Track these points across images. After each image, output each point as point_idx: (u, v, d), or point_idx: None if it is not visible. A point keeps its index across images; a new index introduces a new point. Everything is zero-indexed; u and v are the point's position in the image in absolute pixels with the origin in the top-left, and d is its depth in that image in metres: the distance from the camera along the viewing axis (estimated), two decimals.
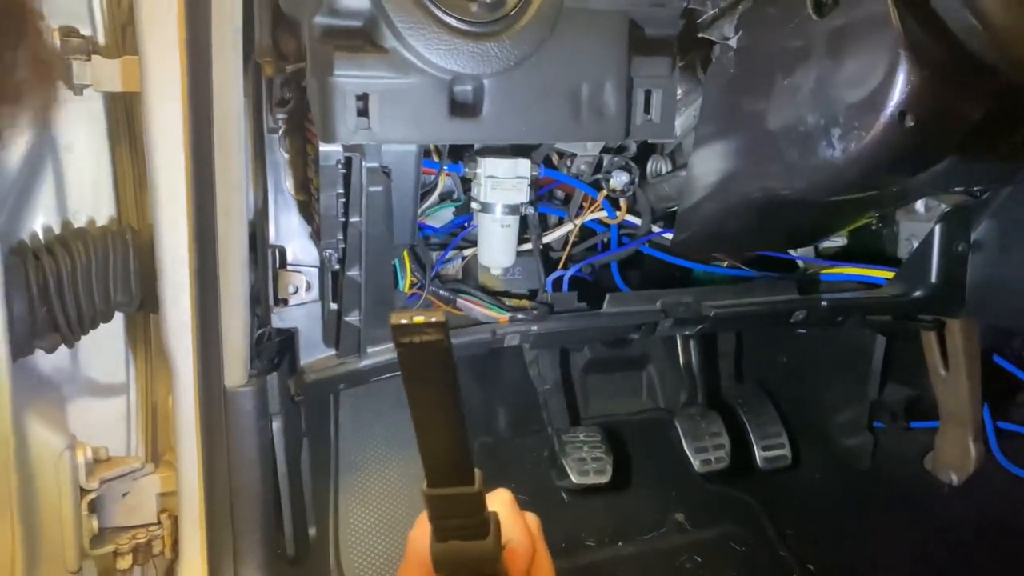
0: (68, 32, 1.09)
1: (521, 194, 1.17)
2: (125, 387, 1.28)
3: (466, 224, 1.27)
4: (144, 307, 1.15)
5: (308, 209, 1.17)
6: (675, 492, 1.68)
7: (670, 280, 1.41)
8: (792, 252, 1.46)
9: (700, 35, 1.06)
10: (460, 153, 1.20)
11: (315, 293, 1.19)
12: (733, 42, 1.01)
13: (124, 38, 1.14)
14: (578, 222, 1.29)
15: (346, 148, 1.03)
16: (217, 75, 0.98)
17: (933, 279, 1.35)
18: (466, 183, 1.23)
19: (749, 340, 1.89)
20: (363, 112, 0.93)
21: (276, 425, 1.16)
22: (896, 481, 1.63)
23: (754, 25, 0.99)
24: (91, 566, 1.23)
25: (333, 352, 1.19)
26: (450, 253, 1.28)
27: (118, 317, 1.20)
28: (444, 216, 1.28)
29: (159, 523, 1.28)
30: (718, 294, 1.31)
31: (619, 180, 1.25)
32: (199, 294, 1.05)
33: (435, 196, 1.22)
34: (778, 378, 1.84)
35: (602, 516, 1.60)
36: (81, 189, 1.17)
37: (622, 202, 1.29)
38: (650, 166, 1.31)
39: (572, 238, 1.30)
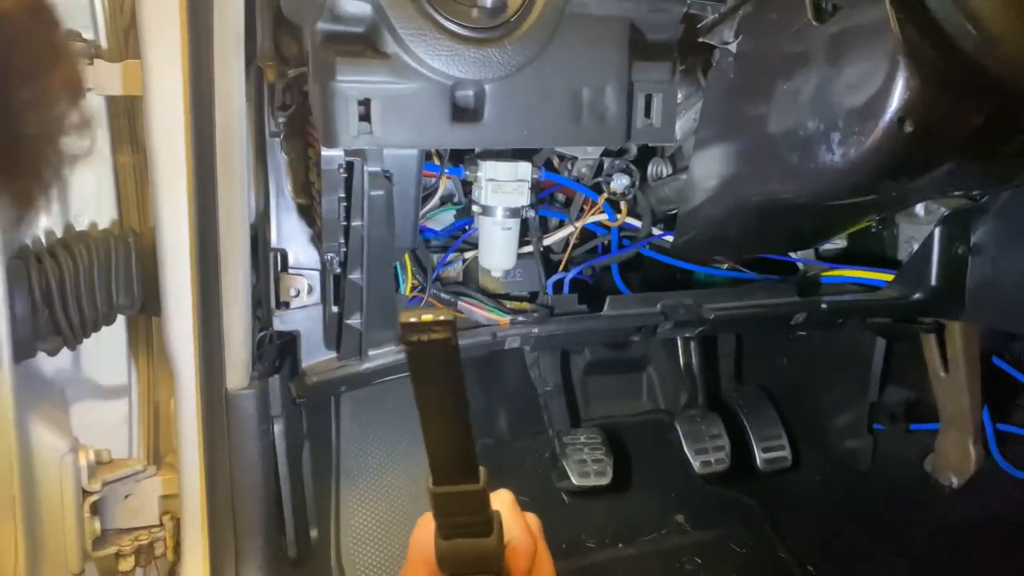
0: (71, 36, 1.09)
1: (522, 197, 1.17)
2: (127, 390, 1.29)
3: (467, 227, 1.27)
4: (146, 310, 1.15)
5: (309, 212, 1.17)
6: (675, 493, 1.68)
7: (670, 282, 1.42)
8: (792, 254, 1.46)
9: (700, 40, 1.06)
10: (461, 156, 1.20)
11: (316, 296, 1.19)
12: (733, 47, 1.02)
13: (127, 42, 1.15)
14: (579, 225, 1.29)
15: (348, 152, 1.03)
16: (219, 79, 0.99)
17: (933, 282, 1.35)
18: (467, 186, 1.23)
19: (749, 342, 1.89)
20: (365, 117, 0.94)
21: (278, 427, 1.17)
22: (896, 483, 1.63)
23: (754, 30, 0.99)
24: (93, 568, 1.23)
25: (334, 355, 1.19)
26: (451, 256, 1.28)
27: (120, 320, 1.21)
28: (445, 219, 1.29)
29: (161, 525, 1.29)
30: (718, 296, 1.32)
31: (620, 183, 1.26)
32: (201, 297, 1.06)
33: (436, 199, 1.23)
34: (778, 380, 1.84)
35: (602, 517, 1.60)
36: (83, 192, 1.17)
37: (623, 205, 1.29)
38: (651, 169, 1.32)
39: (573, 241, 1.30)
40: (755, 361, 1.89)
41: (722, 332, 1.80)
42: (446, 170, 1.18)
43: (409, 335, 0.46)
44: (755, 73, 0.99)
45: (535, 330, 1.21)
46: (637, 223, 1.32)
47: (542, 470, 1.64)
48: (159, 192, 1.03)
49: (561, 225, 1.31)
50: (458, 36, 0.92)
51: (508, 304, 1.26)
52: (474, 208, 1.20)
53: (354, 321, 1.14)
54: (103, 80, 1.11)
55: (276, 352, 1.18)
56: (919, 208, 1.38)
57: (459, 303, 1.23)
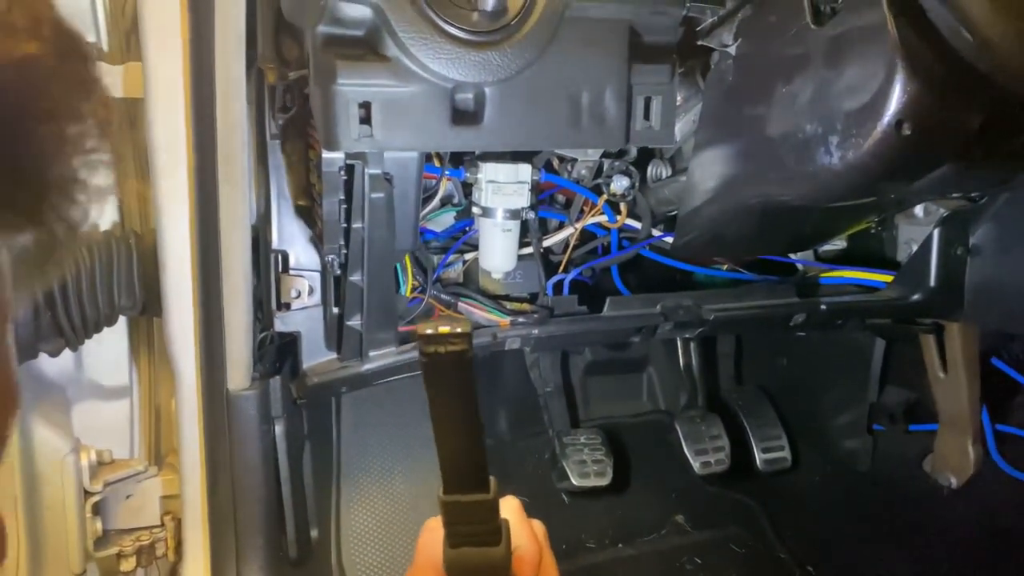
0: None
1: (522, 199, 1.17)
2: (128, 390, 1.29)
3: (467, 228, 1.28)
4: (147, 311, 1.16)
5: (310, 214, 1.18)
6: (675, 494, 1.68)
7: (670, 283, 1.42)
8: (792, 255, 1.47)
9: (699, 43, 1.07)
10: (461, 158, 1.21)
11: (317, 297, 1.20)
12: (732, 50, 1.02)
13: (128, 44, 1.15)
14: (579, 226, 1.29)
15: (348, 155, 1.03)
16: (220, 81, 0.99)
17: (932, 283, 1.35)
18: (467, 188, 1.23)
19: (749, 343, 1.89)
20: (365, 120, 0.94)
21: (278, 428, 1.17)
22: (895, 483, 1.64)
23: (753, 33, 0.99)
24: (94, 568, 1.24)
25: (335, 356, 1.20)
26: (451, 257, 1.28)
27: (122, 321, 1.21)
28: (445, 221, 1.29)
29: (162, 525, 1.29)
30: (718, 297, 1.32)
31: (619, 184, 1.26)
32: (202, 298, 1.06)
33: (436, 201, 1.23)
34: (778, 381, 1.85)
35: (603, 518, 1.60)
36: None
37: (622, 206, 1.29)
38: (650, 170, 1.32)
39: (573, 242, 1.31)
40: (755, 362, 1.89)
41: (722, 333, 1.80)
42: (446, 172, 1.18)
43: (425, 346, 0.46)
44: (754, 76, 0.99)
45: (535, 331, 1.21)
46: (637, 224, 1.32)
47: (542, 471, 1.64)
48: (160, 194, 1.04)
49: (561, 226, 1.32)
50: (458, 39, 0.93)
51: (508, 305, 1.26)
52: (474, 210, 1.21)
53: (354, 322, 1.14)
54: (104, 82, 1.11)
55: (277, 353, 1.19)
56: (918, 209, 1.38)
57: (459, 304, 1.24)
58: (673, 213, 1.28)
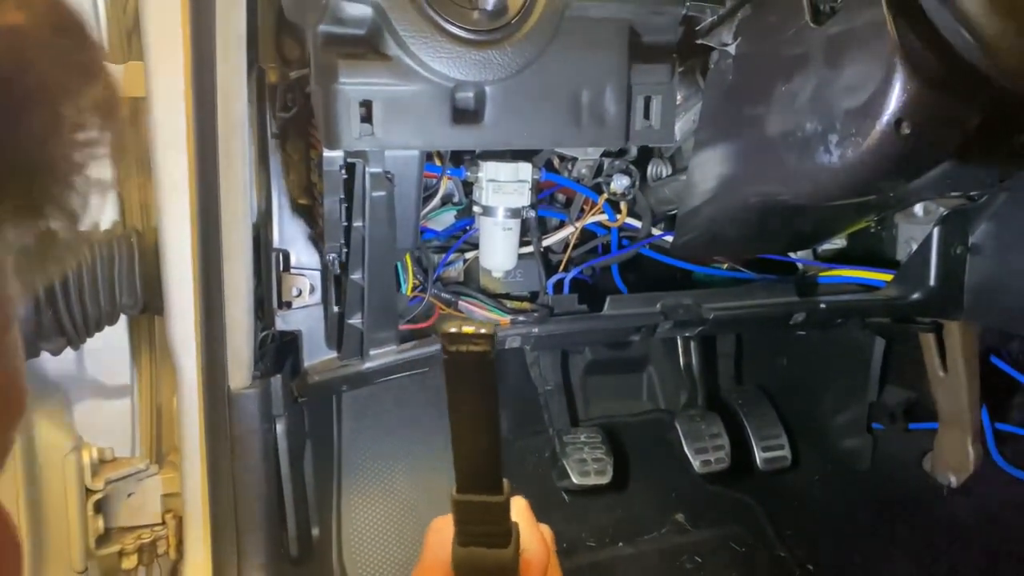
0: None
1: (522, 198, 1.18)
2: (130, 389, 1.29)
3: (468, 227, 1.28)
4: (149, 310, 1.16)
5: (311, 213, 1.18)
6: (675, 493, 1.69)
7: (670, 282, 1.42)
8: (791, 254, 1.47)
9: (699, 42, 1.07)
10: (462, 157, 1.21)
11: (318, 296, 1.20)
12: (732, 49, 1.02)
13: (129, 44, 1.15)
14: (579, 225, 1.30)
15: (349, 154, 1.04)
16: (221, 80, 1.00)
17: (932, 282, 1.35)
18: (468, 187, 1.24)
19: (749, 342, 1.90)
20: (367, 119, 0.95)
21: (279, 426, 1.17)
22: (895, 482, 1.64)
23: (752, 32, 1.00)
24: (96, 566, 1.24)
25: (336, 354, 1.20)
26: (452, 256, 1.29)
27: (123, 319, 1.21)
28: (446, 219, 1.29)
29: (163, 523, 1.30)
30: (718, 296, 1.32)
31: (619, 184, 1.26)
32: (203, 297, 1.07)
33: (437, 200, 1.23)
34: (778, 380, 1.85)
35: (603, 516, 1.60)
36: None
37: (622, 205, 1.30)
38: (650, 170, 1.32)
39: (573, 241, 1.31)
40: (755, 361, 1.90)
41: (721, 332, 1.80)
42: (447, 171, 1.19)
43: (449, 345, 0.47)
44: (754, 75, 1.00)
45: (535, 330, 1.22)
46: (637, 223, 1.33)
47: (542, 469, 1.65)
48: (162, 192, 1.04)
49: (561, 225, 1.32)
50: (459, 39, 0.93)
51: (508, 304, 1.27)
52: (475, 209, 1.21)
53: (355, 321, 1.14)
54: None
55: (278, 352, 1.19)
56: (918, 208, 1.39)
57: (460, 303, 1.24)
58: (673, 212, 1.29)
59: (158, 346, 1.29)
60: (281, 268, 1.18)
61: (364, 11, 0.93)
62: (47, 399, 1.18)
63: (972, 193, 1.28)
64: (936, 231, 1.34)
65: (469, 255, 1.29)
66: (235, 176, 1.03)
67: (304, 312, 1.20)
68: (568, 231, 1.30)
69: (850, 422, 1.69)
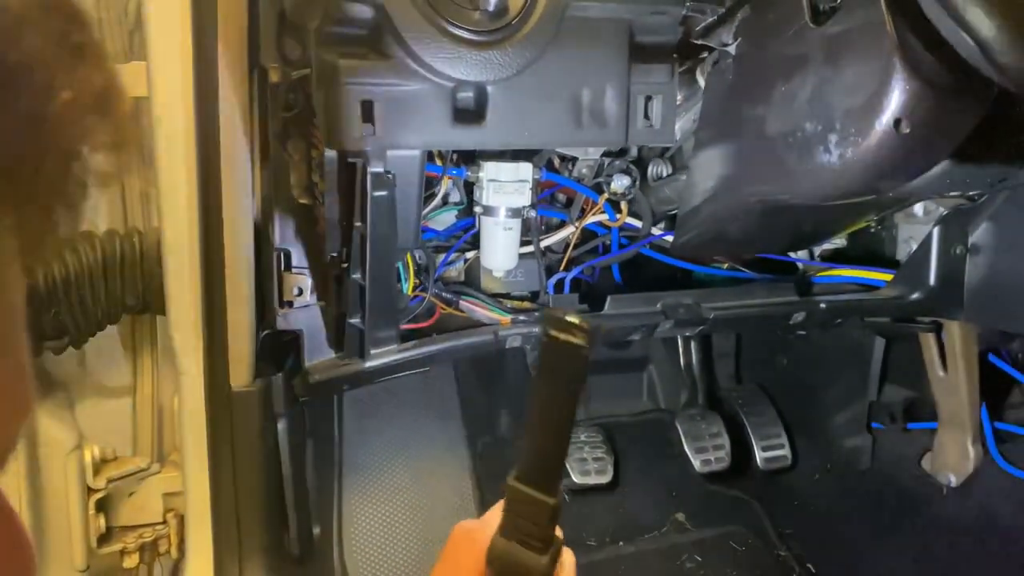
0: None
1: (523, 197, 1.18)
2: (132, 388, 1.30)
3: (469, 227, 1.28)
4: (150, 309, 1.16)
5: (312, 213, 1.18)
6: (675, 492, 1.69)
7: (670, 282, 1.42)
8: (792, 254, 1.47)
9: (699, 42, 1.07)
10: (465, 157, 1.21)
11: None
12: (732, 49, 1.02)
13: (131, 44, 1.16)
14: (579, 225, 1.30)
15: (351, 153, 1.04)
16: (223, 80, 1.00)
17: (931, 281, 1.35)
18: (469, 186, 1.24)
19: (749, 341, 1.90)
20: (368, 118, 0.95)
21: (281, 426, 1.17)
22: (895, 482, 1.64)
23: (752, 32, 1.00)
24: (98, 564, 1.24)
25: (337, 354, 1.20)
26: (452, 255, 1.29)
27: (125, 319, 1.22)
28: (447, 219, 1.29)
29: (165, 522, 1.30)
30: (718, 296, 1.32)
31: (620, 183, 1.26)
32: (205, 296, 1.07)
33: (438, 199, 1.24)
34: (778, 379, 1.85)
35: (603, 516, 1.61)
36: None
37: (623, 205, 1.30)
38: (651, 169, 1.32)
39: (573, 240, 1.31)
40: (755, 360, 1.90)
41: (721, 331, 1.81)
42: (448, 171, 1.19)
43: (550, 328, 0.47)
44: (754, 75, 1.00)
45: (536, 329, 1.22)
46: (637, 223, 1.33)
47: None
48: (163, 192, 1.04)
49: (562, 225, 1.32)
50: (460, 39, 0.93)
51: (509, 303, 1.27)
52: (476, 208, 1.21)
53: (356, 320, 1.14)
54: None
55: (279, 351, 1.19)
56: (917, 208, 1.39)
57: (460, 302, 1.24)
58: (673, 212, 1.29)
59: (160, 345, 1.30)
60: (282, 267, 1.18)
61: (365, 11, 0.93)
62: (49, 398, 1.18)
63: (972, 193, 1.29)
64: (936, 231, 1.34)
65: (470, 255, 1.30)
66: (236, 176, 1.03)
67: (305, 311, 1.20)
68: (569, 231, 1.31)
69: (850, 421, 1.70)
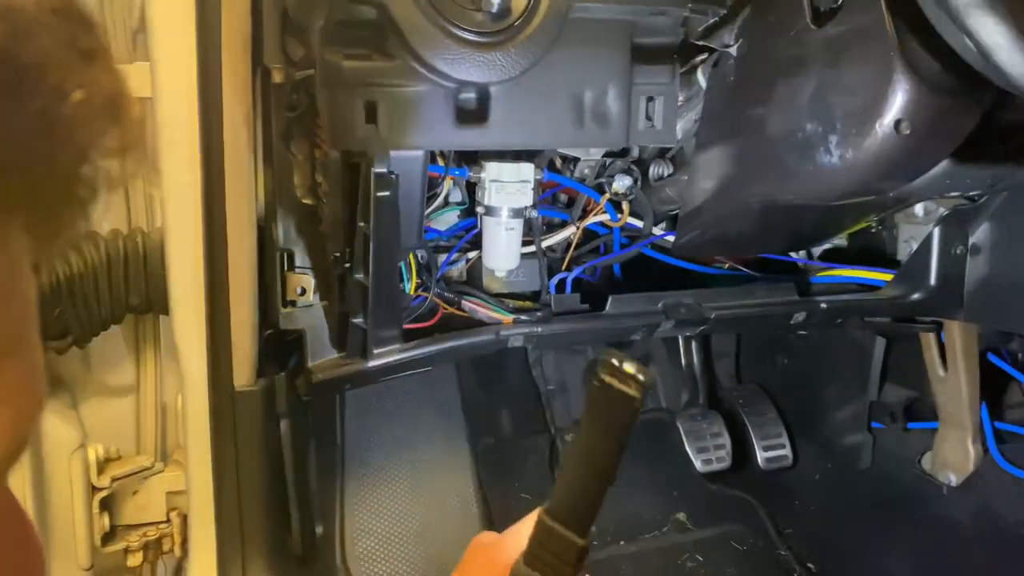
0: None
1: (525, 198, 1.18)
2: (135, 387, 1.30)
3: (471, 227, 1.28)
4: (154, 309, 1.17)
5: (316, 212, 1.19)
6: (677, 491, 1.69)
7: (672, 282, 1.42)
8: (792, 254, 1.47)
9: (700, 43, 1.07)
10: (467, 157, 1.22)
11: None
12: (733, 50, 1.03)
13: (135, 44, 1.16)
14: (581, 225, 1.30)
15: (354, 154, 1.04)
16: (227, 81, 1.00)
17: (932, 281, 1.36)
18: (471, 187, 1.24)
19: (750, 341, 1.90)
20: (371, 119, 0.95)
21: (284, 425, 1.18)
22: (895, 481, 1.64)
23: (754, 34, 1.00)
24: (102, 563, 1.25)
25: (340, 353, 1.21)
26: (454, 255, 1.29)
27: (128, 319, 1.22)
28: (449, 219, 1.30)
29: (168, 521, 1.30)
30: (719, 296, 1.33)
31: (621, 184, 1.27)
32: (208, 296, 1.07)
33: (440, 199, 1.24)
34: (778, 379, 1.85)
35: (604, 515, 1.58)
36: None
37: (624, 205, 1.30)
38: (652, 170, 1.32)
39: (575, 240, 1.32)
40: (755, 360, 1.90)
41: (722, 331, 1.81)
42: (450, 171, 1.19)
43: (603, 374, 0.46)
44: (755, 76, 1.00)
45: (538, 329, 1.22)
46: (639, 223, 1.33)
47: (544, 468, 1.65)
48: (167, 192, 1.05)
49: (564, 225, 1.32)
50: (463, 40, 0.93)
51: (511, 303, 1.27)
52: (478, 208, 1.22)
53: (359, 320, 1.15)
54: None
55: (282, 350, 1.20)
56: (918, 208, 1.39)
57: (462, 302, 1.25)
58: (674, 212, 1.29)
59: (163, 345, 1.30)
60: (285, 267, 1.19)
61: (369, 12, 0.93)
62: (53, 397, 1.18)
63: (972, 193, 1.29)
64: (936, 231, 1.34)
65: (472, 255, 1.30)
66: (240, 176, 1.04)
67: (308, 311, 1.21)
68: (570, 231, 1.31)
69: (850, 421, 1.70)
